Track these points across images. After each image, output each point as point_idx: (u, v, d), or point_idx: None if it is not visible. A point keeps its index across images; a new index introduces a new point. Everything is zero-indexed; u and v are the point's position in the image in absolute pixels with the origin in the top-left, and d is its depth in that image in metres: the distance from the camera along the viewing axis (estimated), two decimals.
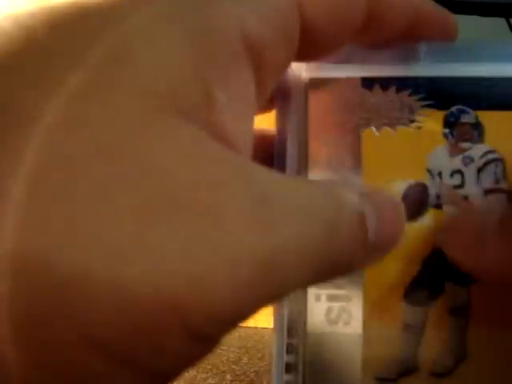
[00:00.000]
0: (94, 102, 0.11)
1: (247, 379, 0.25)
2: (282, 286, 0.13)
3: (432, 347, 0.16)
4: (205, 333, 0.12)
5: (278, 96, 0.16)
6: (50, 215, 0.10)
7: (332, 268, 0.15)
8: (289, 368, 0.16)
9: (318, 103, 0.16)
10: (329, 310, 0.16)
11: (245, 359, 0.26)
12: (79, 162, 0.11)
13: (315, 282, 0.15)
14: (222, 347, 0.28)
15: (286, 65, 0.17)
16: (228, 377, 0.25)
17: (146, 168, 0.11)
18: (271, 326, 0.23)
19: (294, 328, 0.17)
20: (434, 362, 0.16)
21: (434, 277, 0.17)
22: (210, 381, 0.25)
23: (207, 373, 0.25)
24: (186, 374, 0.25)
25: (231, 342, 0.28)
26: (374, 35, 0.18)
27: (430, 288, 0.17)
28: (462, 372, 0.16)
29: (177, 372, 0.13)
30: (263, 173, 0.14)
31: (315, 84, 0.17)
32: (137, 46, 0.12)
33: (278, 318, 0.17)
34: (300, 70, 0.17)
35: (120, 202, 0.11)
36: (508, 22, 0.81)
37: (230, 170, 0.13)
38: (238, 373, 0.26)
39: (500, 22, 0.81)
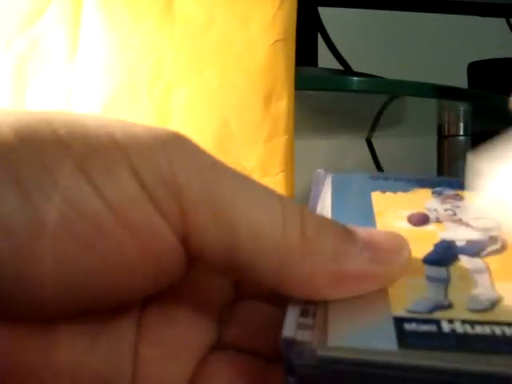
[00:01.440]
0: None
1: None
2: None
3: (461, 295, 0.16)
4: (147, 180, 0.15)
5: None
6: None
7: (311, 252, 0.15)
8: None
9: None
10: None
11: None
12: None
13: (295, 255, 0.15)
14: None
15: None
16: None
17: None
18: None
19: None
20: (468, 304, 0.16)
21: (447, 252, 0.18)
22: None
23: None
24: None
25: None
26: None
27: (445, 258, 0.18)
28: (501, 309, 0.16)
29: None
30: None
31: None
32: None
33: None
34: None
35: None
36: (508, 22, 0.81)
37: None
38: None
39: (500, 22, 0.81)
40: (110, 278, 0.15)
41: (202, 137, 0.29)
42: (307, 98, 0.48)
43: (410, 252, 0.17)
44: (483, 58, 0.84)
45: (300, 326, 0.15)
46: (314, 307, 0.16)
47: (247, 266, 0.15)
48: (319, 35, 0.70)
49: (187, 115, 0.34)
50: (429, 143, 0.72)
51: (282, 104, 0.35)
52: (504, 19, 0.79)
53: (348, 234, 0.16)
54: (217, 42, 0.35)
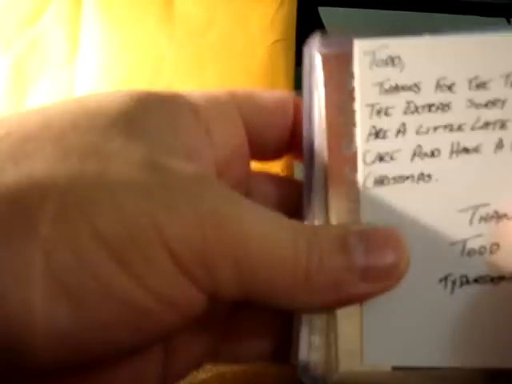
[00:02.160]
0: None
1: (247, 379, 0.25)
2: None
3: None
4: (181, 256, 0.15)
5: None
6: None
7: (310, 282, 0.17)
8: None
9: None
10: None
11: None
12: None
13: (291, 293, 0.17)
14: None
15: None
16: (228, 377, 0.25)
17: None
18: None
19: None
20: None
21: None
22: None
23: (207, 373, 0.25)
24: None
25: None
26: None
27: None
28: None
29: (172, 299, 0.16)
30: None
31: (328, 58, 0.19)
32: None
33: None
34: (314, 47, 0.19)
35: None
36: (508, 22, 0.81)
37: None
38: (238, 373, 0.25)
39: (500, 22, 0.81)
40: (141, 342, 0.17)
41: None
42: None
43: (407, 262, 0.18)
44: None
45: (312, 346, 0.16)
46: (323, 322, 0.17)
47: (259, 302, 0.17)
48: None
49: None
50: None
51: None
52: (504, 19, 0.79)
53: (349, 260, 0.17)
54: (216, 41, 0.35)
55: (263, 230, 0.17)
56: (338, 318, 0.17)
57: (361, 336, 0.16)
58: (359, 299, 0.18)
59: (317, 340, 0.16)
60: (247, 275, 0.16)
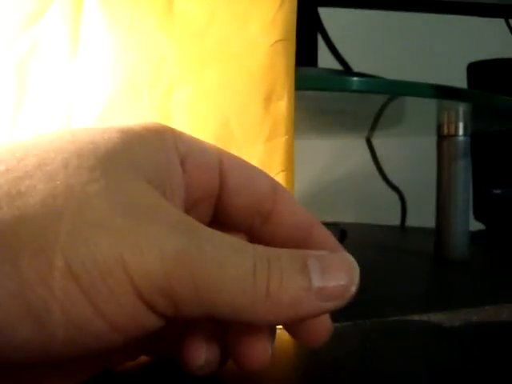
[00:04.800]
0: None
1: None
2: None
3: None
4: (143, 290, 0.18)
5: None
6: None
7: (273, 306, 0.19)
8: None
9: None
10: None
11: None
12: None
13: (259, 315, 0.19)
14: None
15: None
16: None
17: None
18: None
19: None
20: None
21: None
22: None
23: None
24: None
25: None
26: (270, 229, 0.25)
27: None
28: None
29: (134, 332, 0.18)
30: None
31: None
32: None
33: None
34: None
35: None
36: (507, 22, 0.81)
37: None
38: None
39: (500, 22, 0.81)
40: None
41: (203, 136, 0.29)
42: (307, 98, 0.48)
43: (357, 284, 0.20)
44: (483, 58, 0.84)
45: None
46: None
47: (222, 319, 0.19)
48: (319, 35, 0.70)
49: (188, 115, 0.34)
50: (429, 143, 0.72)
51: (283, 104, 0.35)
52: (503, 19, 0.79)
53: (307, 280, 0.19)
54: (217, 42, 0.35)
55: (222, 258, 0.19)
56: None
57: None
58: (313, 316, 0.20)
59: None
60: (208, 300, 0.18)
